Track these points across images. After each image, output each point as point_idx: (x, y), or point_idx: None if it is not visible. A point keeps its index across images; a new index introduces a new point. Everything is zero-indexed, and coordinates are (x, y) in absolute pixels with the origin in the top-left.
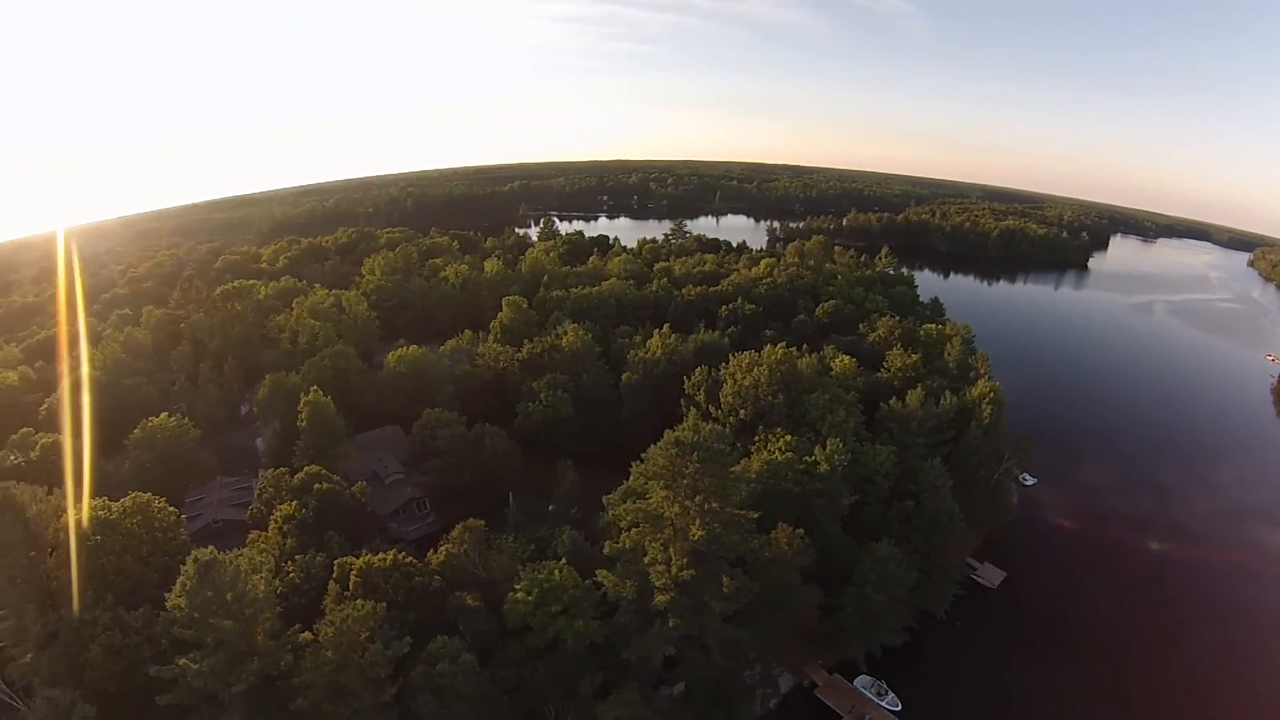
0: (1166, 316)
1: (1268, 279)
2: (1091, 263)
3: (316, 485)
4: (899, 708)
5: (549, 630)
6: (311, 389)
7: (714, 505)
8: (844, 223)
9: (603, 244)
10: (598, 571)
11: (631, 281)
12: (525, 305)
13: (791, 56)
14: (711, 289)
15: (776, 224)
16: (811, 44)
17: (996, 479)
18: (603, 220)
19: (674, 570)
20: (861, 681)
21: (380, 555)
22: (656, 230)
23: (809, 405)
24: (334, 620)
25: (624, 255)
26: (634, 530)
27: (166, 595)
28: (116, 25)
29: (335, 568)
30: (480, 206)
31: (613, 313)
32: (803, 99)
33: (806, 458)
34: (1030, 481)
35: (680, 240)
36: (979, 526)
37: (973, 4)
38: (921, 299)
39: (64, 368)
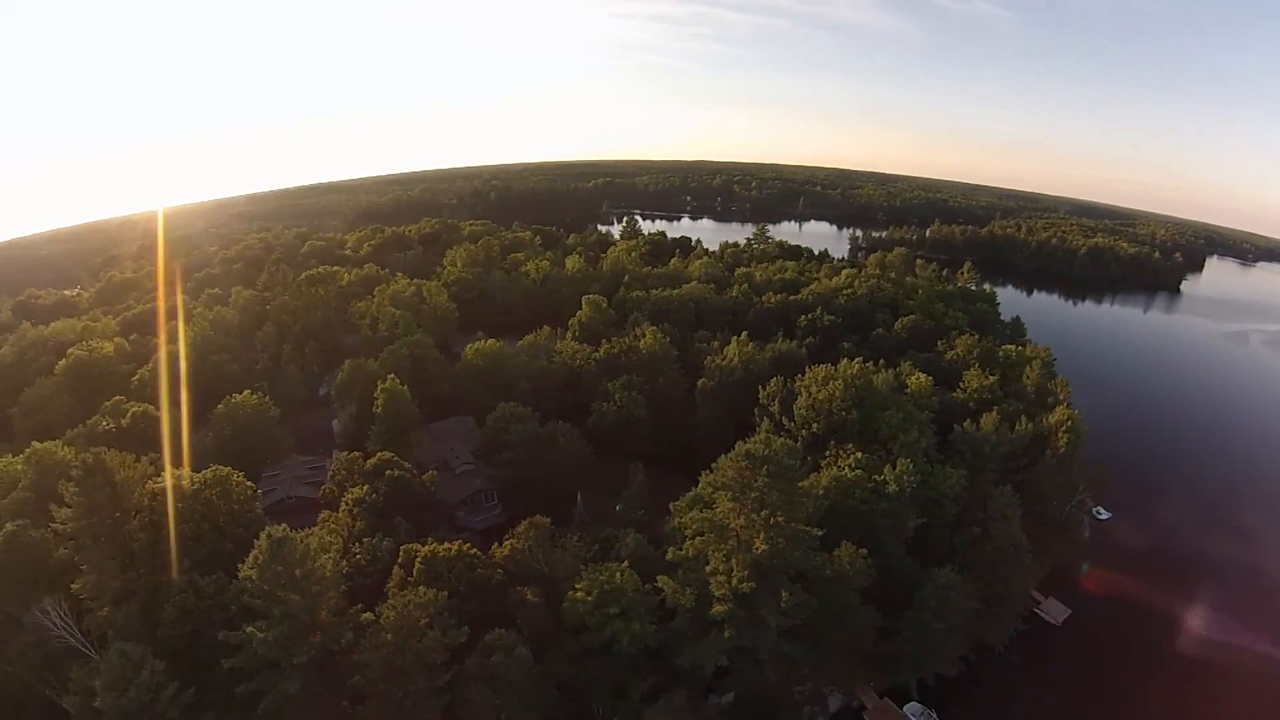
0: (1263, 347)
1: None
2: (1184, 285)
3: (388, 471)
4: None
5: (605, 631)
6: (389, 376)
7: (779, 520)
8: (927, 234)
9: (685, 245)
10: (658, 577)
11: (712, 286)
12: (605, 305)
13: (878, 60)
14: (791, 297)
15: (859, 233)
16: (898, 48)
17: (1068, 511)
18: (685, 221)
19: (734, 582)
20: (911, 708)
21: (445, 545)
22: (739, 234)
23: (882, 423)
24: (396, 604)
25: (706, 258)
26: (698, 539)
27: (239, 565)
28: (226, 22)
29: (401, 553)
30: (563, 202)
31: (692, 316)
32: (889, 104)
33: (876, 476)
34: (1104, 516)
35: (762, 246)
36: (1046, 559)
37: (1066, 7)
38: (1003, 317)
39: (162, 339)
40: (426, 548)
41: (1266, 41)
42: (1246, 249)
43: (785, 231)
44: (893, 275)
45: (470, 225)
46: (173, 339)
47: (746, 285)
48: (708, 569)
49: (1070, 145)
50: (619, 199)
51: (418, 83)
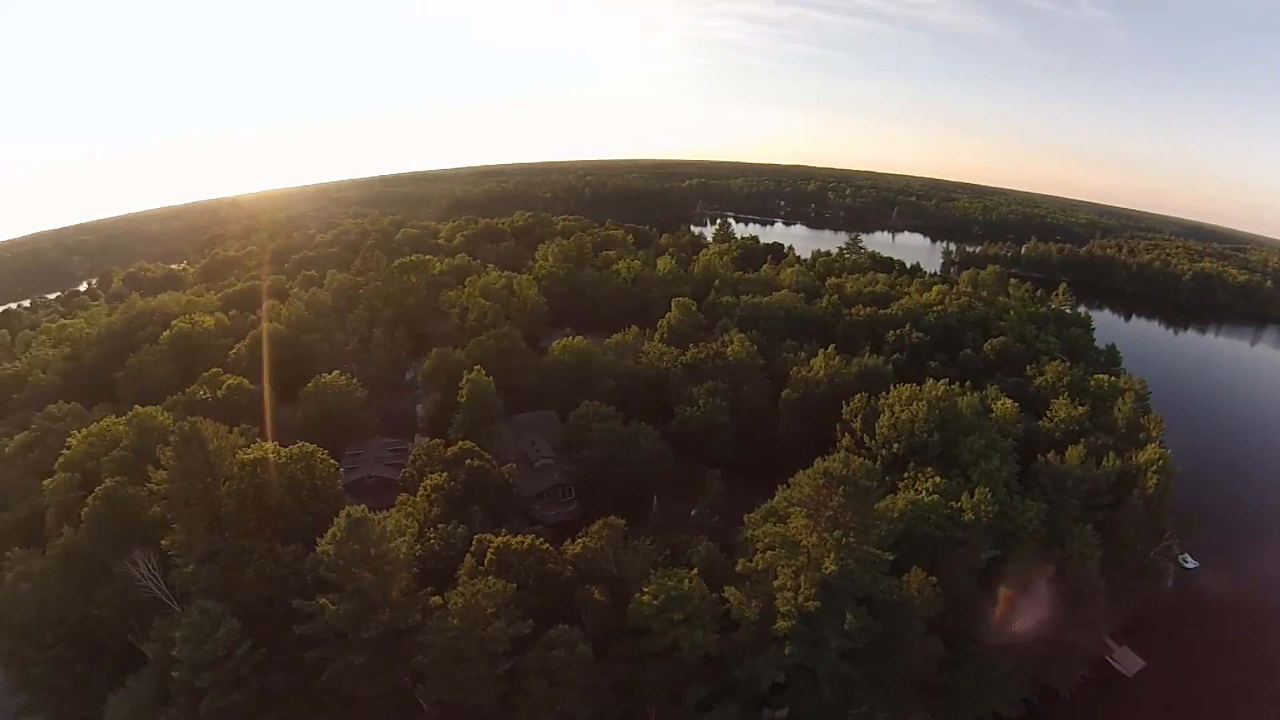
0: None
1: None
2: None
3: (468, 460)
4: None
5: (667, 636)
6: (475, 367)
7: (851, 541)
8: (1022, 251)
9: (777, 251)
10: (726, 588)
11: (802, 295)
12: (694, 308)
13: (977, 66)
14: (881, 311)
15: (953, 246)
16: (999, 54)
17: (1152, 557)
18: (779, 226)
19: (800, 599)
20: None
21: (519, 538)
22: (832, 242)
23: (963, 448)
24: (465, 592)
25: (797, 266)
26: (769, 553)
27: (318, 539)
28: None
29: (474, 542)
30: (657, 201)
31: (780, 325)
32: (987, 112)
33: (953, 503)
34: (1191, 564)
35: (854, 256)
36: (1123, 606)
37: (1175, 12)
38: (1097, 344)
39: (265, 314)
40: (500, 539)
41: None
42: None
43: (878, 242)
44: (984, 294)
45: (563, 220)
46: (269, 317)
47: (836, 296)
48: (775, 583)
49: (1179, 160)
50: (713, 200)
51: (516, 72)
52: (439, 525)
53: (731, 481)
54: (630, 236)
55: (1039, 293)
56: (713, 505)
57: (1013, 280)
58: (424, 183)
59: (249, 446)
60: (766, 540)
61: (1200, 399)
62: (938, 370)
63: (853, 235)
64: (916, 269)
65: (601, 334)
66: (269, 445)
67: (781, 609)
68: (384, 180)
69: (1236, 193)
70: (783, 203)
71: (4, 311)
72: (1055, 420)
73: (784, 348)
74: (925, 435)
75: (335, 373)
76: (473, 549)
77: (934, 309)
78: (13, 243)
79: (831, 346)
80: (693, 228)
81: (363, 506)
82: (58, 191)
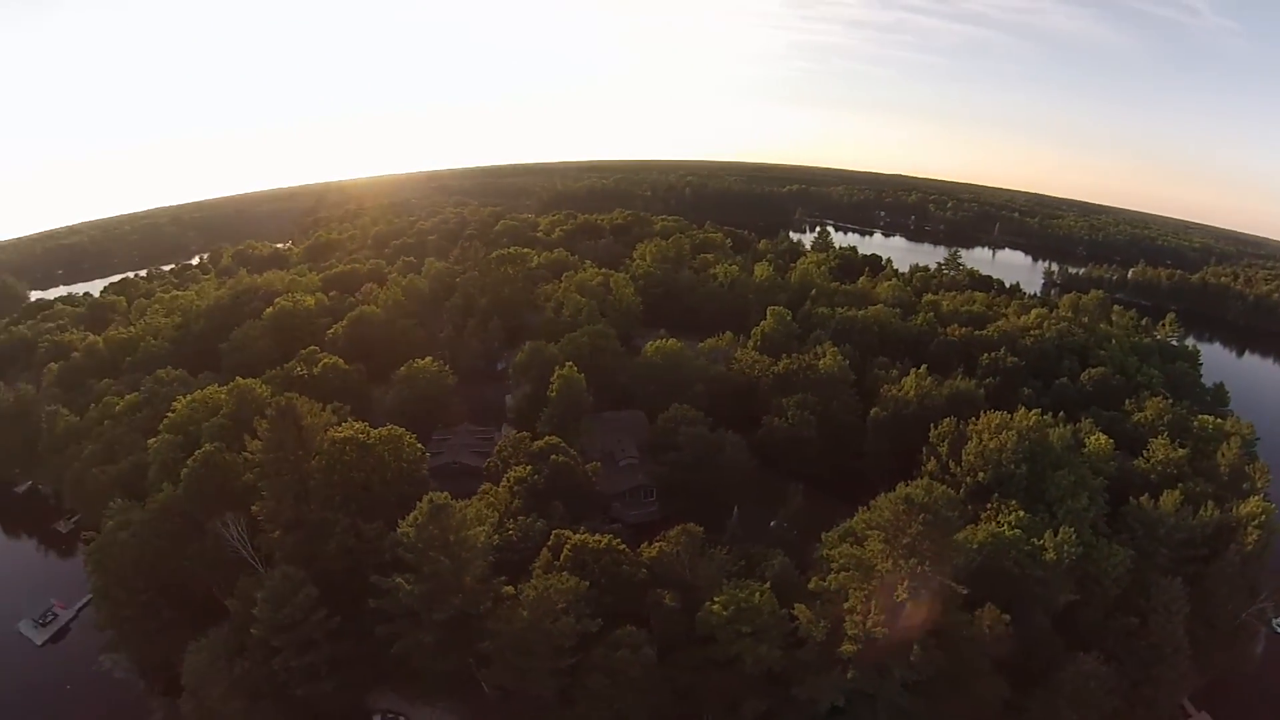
0: None
1: None
2: None
3: (552, 456)
4: None
5: (733, 647)
6: (567, 363)
7: (926, 570)
8: (1129, 275)
9: (875, 264)
10: (796, 605)
11: (897, 310)
12: (789, 318)
13: (1090, 76)
14: (976, 332)
15: (1055, 267)
16: (1114, 64)
17: (1243, 618)
18: (878, 237)
19: (868, 624)
20: None
21: (596, 537)
22: (930, 256)
23: (1051, 483)
24: (537, 585)
25: (894, 280)
26: (842, 574)
27: (400, 519)
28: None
29: (552, 536)
30: (756, 205)
31: (874, 341)
32: (1098, 125)
33: (1035, 540)
34: None
35: (953, 273)
36: (1207, 668)
37: None
38: (1204, 381)
39: (363, 297)
40: (578, 536)
41: None
42: None
43: (977, 258)
44: (1085, 319)
45: (662, 220)
46: (367, 300)
47: (932, 314)
48: (845, 605)
49: None
50: (812, 207)
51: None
52: (519, 517)
53: (813, 496)
54: (729, 240)
55: (1144, 321)
56: (792, 519)
57: (1116, 307)
58: (525, 175)
59: (340, 425)
60: (841, 561)
61: None
62: (1031, 398)
63: (952, 250)
64: (1015, 289)
65: (695, 337)
66: (359, 425)
67: (849, 632)
68: (487, 171)
69: None
70: (882, 213)
71: (122, 280)
72: (1152, 461)
73: (876, 364)
74: (1012, 466)
75: (428, 358)
76: (550, 543)
77: (1031, 333)
78: (134, 216)
79: (924, 366)
80: (791, 234)
81: (445, 494)
82: (176, 171)
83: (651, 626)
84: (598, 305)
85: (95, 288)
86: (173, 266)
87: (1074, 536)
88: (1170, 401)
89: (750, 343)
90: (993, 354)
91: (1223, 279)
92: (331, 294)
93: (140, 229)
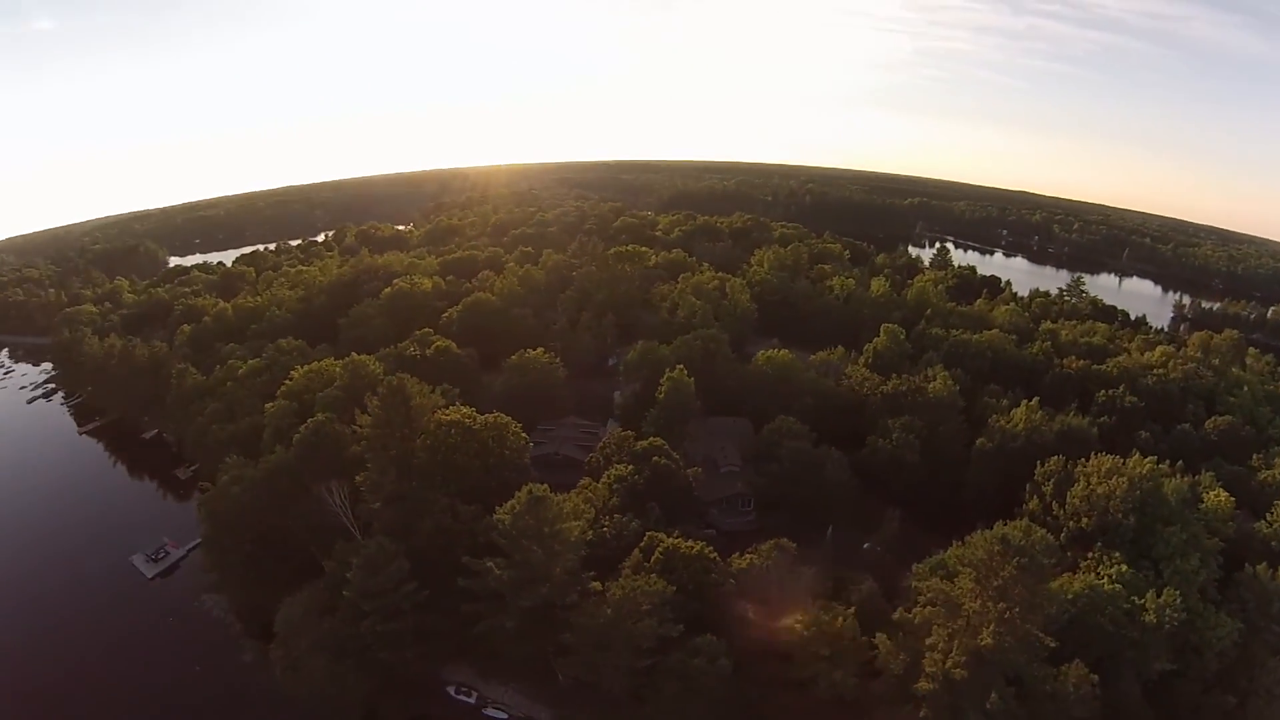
0: None
1: None
2: None
3: (654, 458)
4: None
5: (809, 669)
6: (678, 366)
7: (1015, 616)
8: (1269, 314)
9: (993, 285)
10: (878, 634)
11: (1013, 337)
12: (903, 336)
13: (1236, 90)
14: (1095, 366)
15: (1186, 300)
16: (1262, 75)
17: None
18: (998, 257)
19: (948, 664)
20: None
21: (689, 542)
22: (1053, 280)
23: (1160, 538)
24: (625, 585)
25: (1012, 304)
26: (929, 608)
27: (498, 505)
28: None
29: (645, 537)
30: (876, 216)
31: (986, 367)
32: (1244, 144)
33: (1135, 598)
34: None
35: (1074, 300)
36: None
37: None
38: None
39: (482, 282)
40: (670, 540)
41: None
42: None
43: (1102, 286)
44: (1216, 361)
45: (781, 227)
46: (483, 287)
47: (1049, 343)
48: (927, 641)
49: None
50: (933, 221)
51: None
52: (615, 515)
53: (909, 522)
54: (847, 252)
55: None
56: (886, 544)
57: (1252, 350)
58: (646, 172)
59: (448, 407)
60: (929, 594)
61: None
62: (1148, 443)
63: (1075, 276)
64: (1141, 322)
65: (806, 349)
66: (466, 410)
67: (927, 669)
68: (608, 166)
69: None
70: (1005, 231)
71: (253, 252)
72: (1276, 525)
73: (986, 391)
74: (1120, 516)
75: (540, 349)
76: (642, 544)
77: (1154, 371)
78: (269, 193)
79: (1036, 399)
80: (910, 248)
81: (545, 485)
82: (305, 152)
83: (731, 638)
84: (712, 309)
85: (228, 258)
86: (299, 242)
87: (1179, 600)
88: None
89: (861, 359)
90: (1111, 391)
91: None
92: (449, 278)
93: (272, 204)
